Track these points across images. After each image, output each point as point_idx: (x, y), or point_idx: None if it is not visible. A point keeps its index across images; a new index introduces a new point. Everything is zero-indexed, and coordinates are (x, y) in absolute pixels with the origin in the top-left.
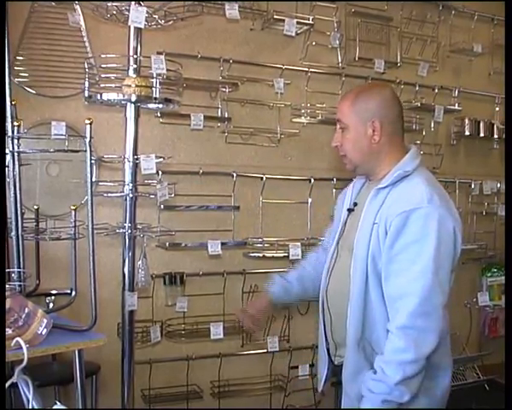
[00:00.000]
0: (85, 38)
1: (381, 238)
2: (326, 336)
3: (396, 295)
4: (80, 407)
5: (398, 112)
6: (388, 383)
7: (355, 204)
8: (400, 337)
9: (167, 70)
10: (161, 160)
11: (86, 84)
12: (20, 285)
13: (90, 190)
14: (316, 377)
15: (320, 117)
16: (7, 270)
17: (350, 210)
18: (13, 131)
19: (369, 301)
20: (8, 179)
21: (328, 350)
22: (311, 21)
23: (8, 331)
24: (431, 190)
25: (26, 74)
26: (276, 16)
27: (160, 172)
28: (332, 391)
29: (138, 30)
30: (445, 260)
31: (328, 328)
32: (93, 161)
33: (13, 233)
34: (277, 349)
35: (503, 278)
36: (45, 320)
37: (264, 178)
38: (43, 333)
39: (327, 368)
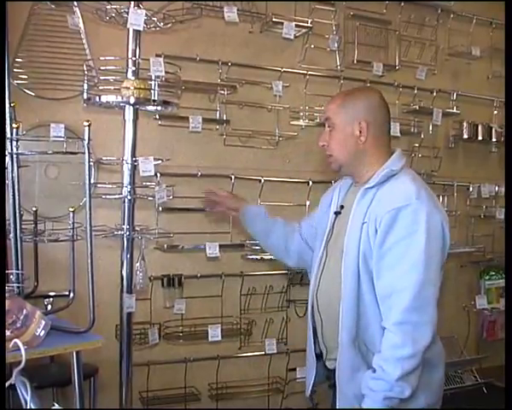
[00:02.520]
0: (84, 41)
1: (371, 237)
2: (315, 342)
3: (389, 292)
4: (78, 409)
5: (385, 116)
6: (388, 379)
7: (342, 207)
8: (396, 333)
9: (166, 72)
10: (160, 162)
11: (85, 86)
12: (18, 287)
13: (88, 192)
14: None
15: (318, 120)
16: (5, 271)
17: (337, 213)
18: (12, 133)
19: (362, 300)
20: (6, 181)
21: (317, 355)
22: (309, 24)
23: (7, 333)
24: (418, 187)
25: (26, 76)
26: (274, 19)
27: (159, 175)
28: (327, 393)
29: (137, 32)
30: (436, 254)
31: (319, 332)
32: (91, 163)
33: (11, 235)
34: (275, 351)
35: (502, 281)
36: (43, 322)
37: (263, 181)
38: (41, 335)
39: (315, 373)
